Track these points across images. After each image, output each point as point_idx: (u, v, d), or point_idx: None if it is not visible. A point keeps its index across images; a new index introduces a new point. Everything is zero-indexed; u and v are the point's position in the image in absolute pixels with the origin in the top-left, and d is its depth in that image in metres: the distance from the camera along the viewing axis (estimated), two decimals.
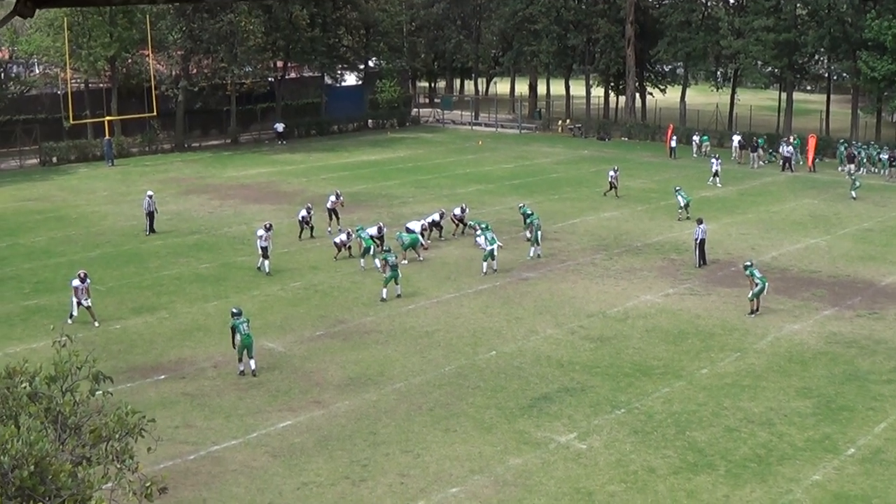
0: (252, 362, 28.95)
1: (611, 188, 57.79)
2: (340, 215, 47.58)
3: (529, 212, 44.95)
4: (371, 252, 40.69)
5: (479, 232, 40.55)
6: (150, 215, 47.57)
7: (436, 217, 46.22)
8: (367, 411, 26.28)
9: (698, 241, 41.98)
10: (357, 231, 42.42)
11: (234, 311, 29.43)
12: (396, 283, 36.30)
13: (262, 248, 40.10)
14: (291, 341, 31.79)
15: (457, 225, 47.39)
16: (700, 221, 42.54)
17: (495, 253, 39.91)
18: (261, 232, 40.53)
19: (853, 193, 57.58)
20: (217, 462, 23.33)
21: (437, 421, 25.63)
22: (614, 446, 24.16)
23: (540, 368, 29.49)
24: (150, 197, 47.79)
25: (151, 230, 47.41)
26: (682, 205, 51.50)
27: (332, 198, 48.18)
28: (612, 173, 58.26)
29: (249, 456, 23.65)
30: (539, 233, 43.19)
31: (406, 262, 40.70)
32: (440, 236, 46.24)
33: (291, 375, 28.87)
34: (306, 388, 27.96)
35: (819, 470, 23.03)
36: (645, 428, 25.32)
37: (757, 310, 34.95)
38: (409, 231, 43.13)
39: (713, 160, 63.37)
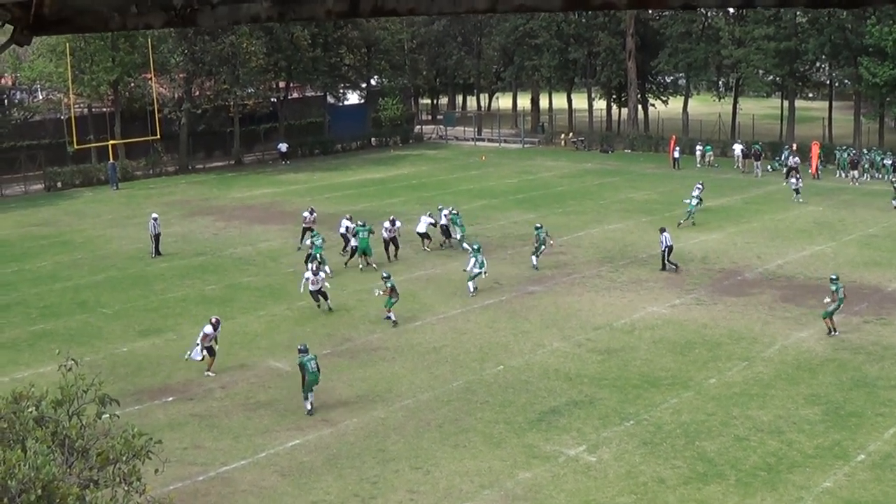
0: (310, 399, 27.64)
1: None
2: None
3: (539, 225, 44.92)
4: (366, 253, 43.17)
5: (471, 253, 40.24)
6: (156, 238, 47.61)
7: (421, 228, 47.29)
8: (375, 428, 26.25)
9: (664, 250, 42.81)
10: (355, 230, 43.76)
11: (301, 348, 28.11)
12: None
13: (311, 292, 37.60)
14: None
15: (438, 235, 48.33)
16: (663, 230, 43.21)
17: (482, 275, 39.49)
18: (308, 275, 37.44)
19: (895, 203, 56.87)
20: (226, 483, 23.30)
21: (445, 437, 25.60)
22: (624, 458, 24.11)
23: (548, 382, 29.46)
24: (155, 219, 47.83)
25: (157, 252, 47.46)
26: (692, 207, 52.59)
27: (306, 214, 48.26)
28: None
29: (259, 476, 23.62)
30: (543, 246, 43.40)
31: (370, 265, 42.91)
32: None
33: (299, 395, 28.76)
34: (314, 406, 27.93)
35: (829, 477, 22.96)
36: (654, 439, 25.26)
37: (834, 330, 33.83)
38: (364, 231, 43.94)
39: (793, 180, 61.40)
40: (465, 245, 45.82)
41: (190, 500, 22.21)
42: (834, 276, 34.59)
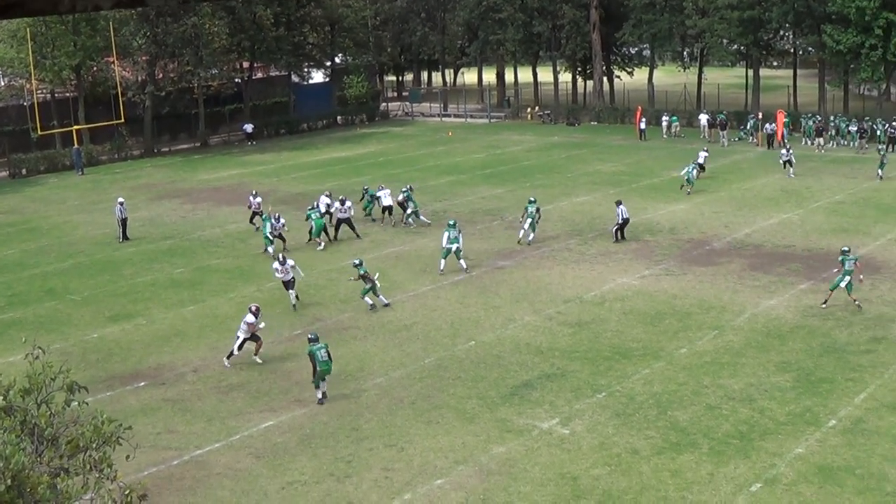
0: (322, 387, 26.93)
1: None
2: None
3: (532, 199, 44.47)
4: (322, 230, 43.94)
5: (445, 228, 39.52)
6: (123, 222, 47.32)
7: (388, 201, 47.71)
8: (348, 407, 26.23)
9: (620, 223, 42.84)
10: (307, 213, 44.18)
11: (310, 336, 27.41)
12: (377, 294, 34.68)
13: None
14: (269, 342, 31.66)
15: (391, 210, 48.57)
16: (619, 203, 43.27)
17: (457, 253, 38.51)
18: (275, 265, 36.31)
19: (880, 172, 56.29)
20: (201, 466, 23.24)
21: (419, 414, 25.60)
22: (597, 430, 24.18)
23: (519, 356, 29.51)
24: (122, 204, 47.51)
25: (125, 237, 47.17)
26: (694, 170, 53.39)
27: (251, 198, 48.40)
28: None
29: (233, 458, 23.57)
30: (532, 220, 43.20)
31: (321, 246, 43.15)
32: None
33: (271, 376, 28.79)
34: (286, 387, 27.89)
35: (801, 443, 23.11)
36: (626, 410, 25.35)
37: (825, 303, 33.25)
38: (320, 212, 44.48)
39: (784, 151, 59.51)
40: (415, 220, 47.21)
41: (164, 484, 22.15)
42: (845, 249, 33.96)
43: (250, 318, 29.49)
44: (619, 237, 42.85)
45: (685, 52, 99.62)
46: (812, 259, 39.56)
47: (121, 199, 48.17)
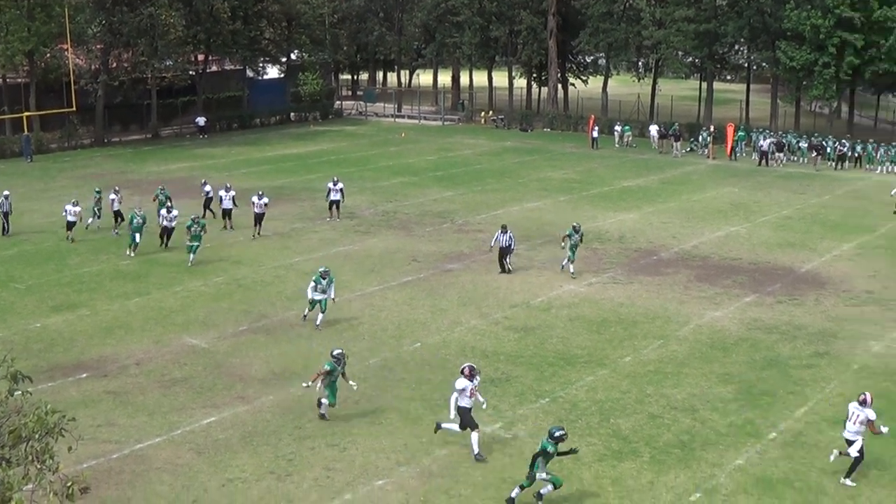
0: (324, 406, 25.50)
1: None
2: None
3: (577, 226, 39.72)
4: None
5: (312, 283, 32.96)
6: (5, 216, 46.48)
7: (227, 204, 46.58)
8: (291, 406, 26.15)
9: (502, 248, 39.22)
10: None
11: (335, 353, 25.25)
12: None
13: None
14: (214, 337, 31.55)
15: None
16: (504, 229, 39.38)
17: (322, 304, 32.52)
18: (163, 211, 43.01)
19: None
20: (141, 460, 23.06)
21: (362, 414, 25.57)
22: (539, 435, 24.11)
23: (464, 359, 29.35)
24: (6, 197, 46.70)
25: (6, 231, 46.36)
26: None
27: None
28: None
29: (173, 453, 23.42)
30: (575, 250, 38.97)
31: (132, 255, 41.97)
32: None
33: (215, 371, 28.64)
34: (230, 383, 27.76)
35: (742, 454, 23.31)
36: (569, 416, 25.46)
37: None
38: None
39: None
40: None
41: (104, 478, 21.97)
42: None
43: (463, 381, 23.33)
44: (501, 269, 39.43)
45: (640, 63, 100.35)
46: (758, 272, 39.96)
47: (6, 192, 47.19)
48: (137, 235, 41.59)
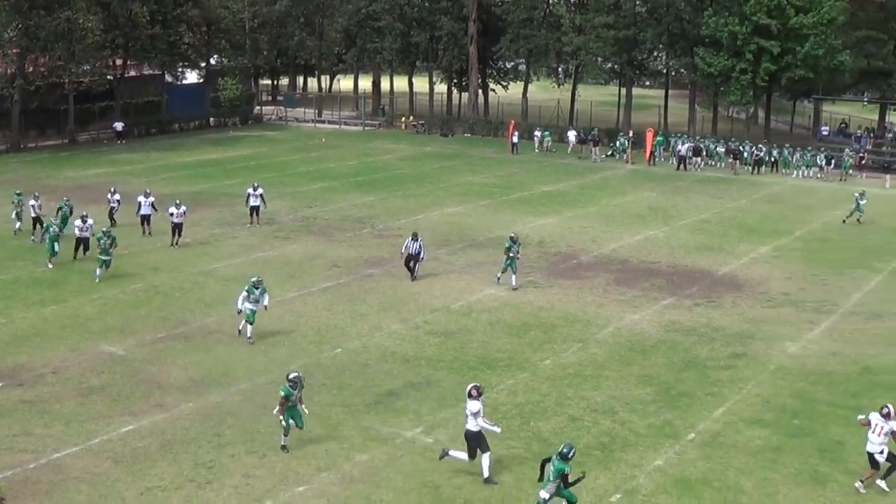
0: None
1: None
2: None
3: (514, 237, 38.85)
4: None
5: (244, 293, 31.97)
6: None
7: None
8: (211, 413, 25.90)
9: (411, 255, 38.69)
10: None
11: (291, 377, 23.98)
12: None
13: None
14: (132, 344, 31.16)
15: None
16: (415, 237, 39.01)
17: (250, 317, 31.58)
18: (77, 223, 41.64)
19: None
20: (58, 470, 22.70)
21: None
22: (460, 439, 24.11)
23: (385, 365, 29.49)
24: None
25: None
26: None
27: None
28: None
29: (91, 462, 23.08)
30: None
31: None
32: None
33: (133, 379, 28.27)
34: (148, 391, 27.42)
35: (661, 455, 23.49)
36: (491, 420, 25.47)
37: None
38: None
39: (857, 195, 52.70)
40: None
41: (20, 488, 21.60)
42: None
43: (474, 405, 22.43)
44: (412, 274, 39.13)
45: (560, 69, 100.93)
46: (676, 275, 40.36)
47: None
48: (56, 245, 40.95)
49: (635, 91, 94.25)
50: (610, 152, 74.90)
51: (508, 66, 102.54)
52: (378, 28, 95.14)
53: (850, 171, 68.68)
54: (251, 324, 31.47)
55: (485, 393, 23.19)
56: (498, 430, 22.67)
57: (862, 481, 22.21)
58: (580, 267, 41.46)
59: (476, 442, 22.29)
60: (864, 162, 71.30)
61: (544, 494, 20.01)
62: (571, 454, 20.00)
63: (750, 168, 69.58)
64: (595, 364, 29.87)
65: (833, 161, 69.05)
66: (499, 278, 38.24)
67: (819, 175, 68.48)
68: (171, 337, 31.95)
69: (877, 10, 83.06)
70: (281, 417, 23.52)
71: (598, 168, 69.60)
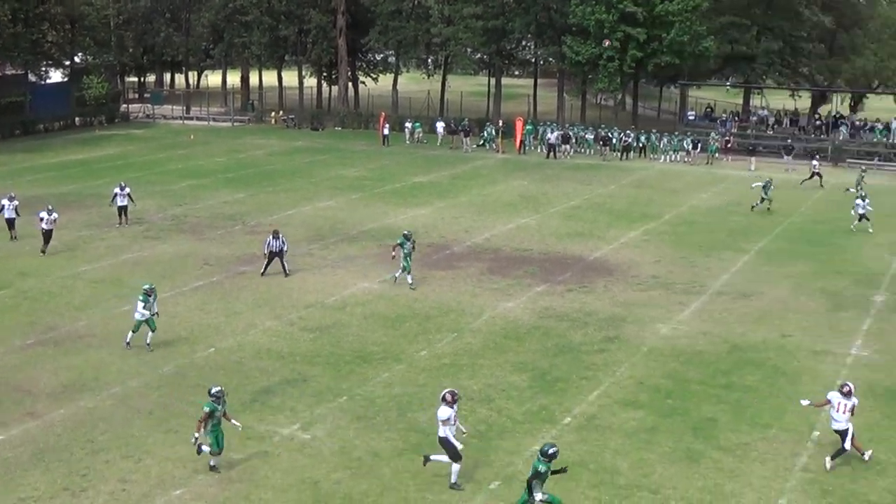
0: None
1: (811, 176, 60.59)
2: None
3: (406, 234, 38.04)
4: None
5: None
6: None
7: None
8: (83, 419, 25.45)
9: (272, 252, 38.52)
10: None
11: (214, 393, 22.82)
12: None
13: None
14: (0, 352, 30.48)
15: None
16: (276, 234, 38.81)
17: (150, 322, 30.70)
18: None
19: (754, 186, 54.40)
20: None
21: (157, 423, 25.07)
22: (338, 434, 24.25)
23: (260, 362, 29.31)
24: None
25: None
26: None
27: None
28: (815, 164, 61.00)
29: None
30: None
31: None
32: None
33: (1, 387, 27.59)
34: (18, 399, 26.82)
35: (538, 440, 23.65)
36: (367, 413, 25.52)
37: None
38: None
39: (858, 202, 48.85)
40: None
41: None
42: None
43: (444, 411, 22.01)
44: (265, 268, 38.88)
45: (430, 60, 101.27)
46: (548, 262, 40.84)
47: None
48: None
49: (505, 80, 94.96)
50: (481, 142, 75.35)
51: (378, 59, 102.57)
52: (246, 23, 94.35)
53: (717, 155, 70.27)
54: (153, 331, 30.71)
55: (459, 400, 22.79)
56: (460, 446, 22.07)
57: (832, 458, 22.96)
58: (453, 257, 41.68)
59: (446, 447, 21.94)
60: (729, 145, 72.90)
61: (538, 496, 19.77)
62: (551, 452, 19.51)
63: (619, 154, 70.75)
64: (470, 353, 30.08)
65: (700, 145, 70.55)
66: (396, 278, 37.56)
67: (686, 159, 69.94)
68: (40, 343, 31.31)
69: None
70: (199, 434, 22.31)
71: (470, 158, 70.03)
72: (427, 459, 22.40)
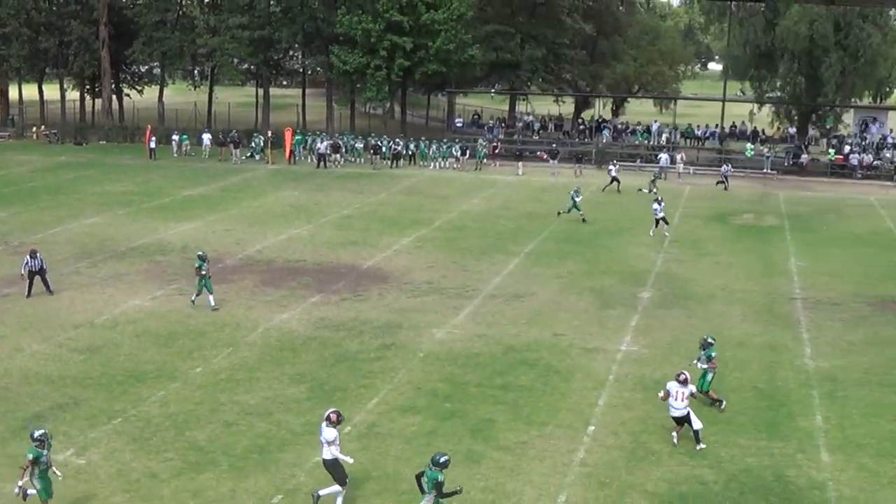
0: None
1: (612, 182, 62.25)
2: None
3: None
4: None
5: None
6: None
7: None
8: None
9: (32, 272, 37.31)
10: None
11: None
12: None
13: None
14: None
15: None
16: (34, 254, 37.47)
17: None
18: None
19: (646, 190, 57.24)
20: None
21: None
22: (114, 457, 23.67)
23: (29, 387, 28.30)
24: None
25: None
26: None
27: None
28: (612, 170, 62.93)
29: None
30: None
31: None
32: None
33: None
34: None
35: (318, 452, 23.68)
36: (143, 434, 24.99)
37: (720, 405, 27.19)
38: None
39: (655, 206, 49.30)
40: None
41: None
42: (711, 341, 27.77)
43: (330, 432, 21.47)
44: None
45: (196, 71, 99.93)
46: (322, 272, 40.87)
47: None
48: None
49: (273, 91, 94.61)
50: (250, 153, 74.82)
51: (143, 70, 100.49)
52: (4, 34, 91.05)
53: (485, 161, 71.71)
54: None
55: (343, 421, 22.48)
56: (350, 460, 21.69)
57: (675, 434, 24.54)
58: (226, 270, 41.20)
59: (334, 470, 21.37)
60: (497, 151, 74.44)
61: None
62: (443, 461, 19.35)
63: (389, 162, 71.45)
64: (247, 367, 29.82)
65: (468, 151, 71.91)
66: (193, 301, 36.21)
67: (455, 166, 71.15)
68: None
69: (503, 5, 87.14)
70: (22, 482, 20.74)
71: (239, 170, 69.45)
72: (317, 498, 21.40)
